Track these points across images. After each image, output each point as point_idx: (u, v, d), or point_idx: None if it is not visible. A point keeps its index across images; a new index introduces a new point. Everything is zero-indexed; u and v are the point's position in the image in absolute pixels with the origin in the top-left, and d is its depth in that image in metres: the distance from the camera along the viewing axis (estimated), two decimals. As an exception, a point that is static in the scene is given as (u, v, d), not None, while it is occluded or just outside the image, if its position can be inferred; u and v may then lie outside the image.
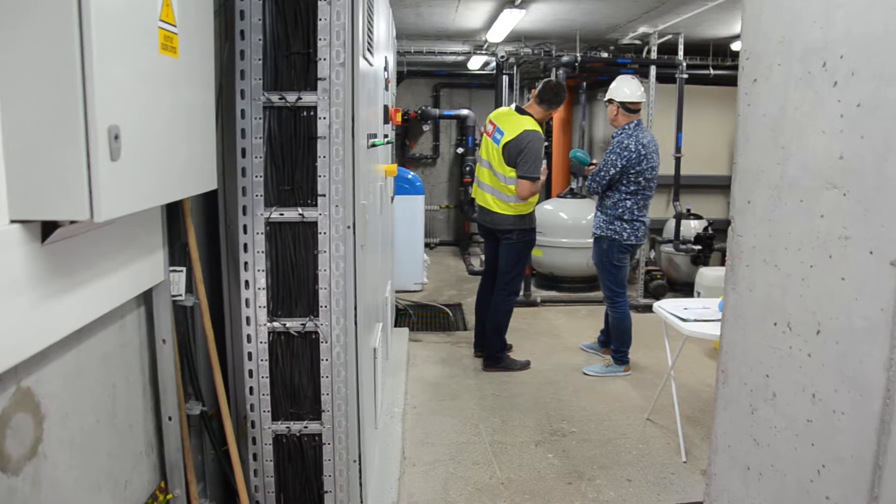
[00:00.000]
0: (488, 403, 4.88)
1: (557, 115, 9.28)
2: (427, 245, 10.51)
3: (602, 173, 5.09)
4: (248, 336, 2.58)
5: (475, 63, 9.44)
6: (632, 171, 5.05)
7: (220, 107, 2.46)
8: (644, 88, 5.32)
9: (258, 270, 2.52)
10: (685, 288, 7.73)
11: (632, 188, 5.10)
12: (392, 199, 4.89)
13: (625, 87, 5.20)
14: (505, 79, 7.90)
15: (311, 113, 2.43)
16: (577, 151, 5.36)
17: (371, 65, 2.96)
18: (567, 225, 7.66)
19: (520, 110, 5.27)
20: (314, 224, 2.47)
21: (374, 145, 2.98)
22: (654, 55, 7.17)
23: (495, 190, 5.16)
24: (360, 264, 2.62)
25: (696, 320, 4.14)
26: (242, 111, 2.43)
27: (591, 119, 9.35)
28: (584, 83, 8.62)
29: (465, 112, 10.40)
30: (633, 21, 6.76)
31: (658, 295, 7.45)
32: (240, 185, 2.47)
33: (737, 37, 7.30)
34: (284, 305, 2.57)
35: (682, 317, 4.18)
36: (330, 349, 2.57)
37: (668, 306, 4.45)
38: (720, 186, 8.30)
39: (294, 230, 2.51)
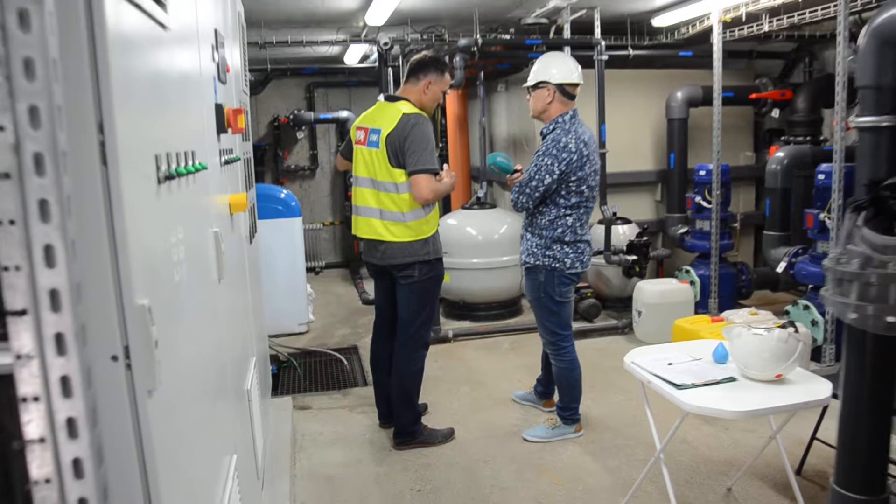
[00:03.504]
0: (408, 509, 3.57)
1: (452, 111, 8.06)
2: (312, 270, 9.08)
3: (534, 183, 3.85)
4: None
5: (353, 55, 8.06)
6: (573, 179, 3.83)
7: None
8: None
9: None
10: (618, 304, 6.66)
11: (573, 200, 3.89)
12: (251, 236, 3.48)
13: (556, 66, 3.98)
14: (389, 72, 6.56)
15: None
16: (497, 156, 4.09)
17: (164, 26, 1.57)
18: (477, 242, 6.42)
19: (391, 98, 4.03)
20: (7, 379, 1.07)
21: (183, 173, 1.59)
22: (567, 34, 6.01)
23: (385, 212, 3.85)
24: (164, 432, 1.26)
25: (695, 385, 2.95)
26: None
27: (490, 115, 8.15)
28: (482, 73, 7.41)
29: (344, 114, 9.01)
30: (540, -7, 5.59)
31: (590, 316, 6.33)
32: None
33: (658, 10, 6.26)
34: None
35: (674, 381, 2.97)
36: None
37: (643, 361, 3.25)
38: (645, 184, 7.27)
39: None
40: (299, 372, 5.51)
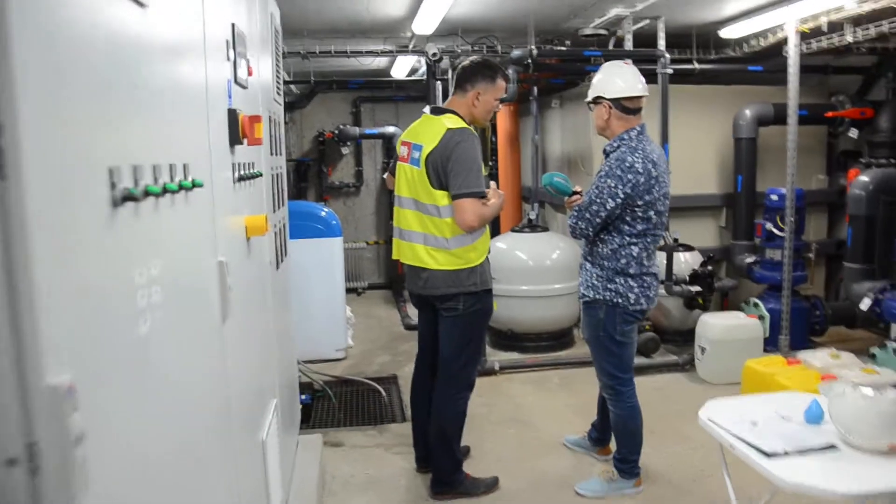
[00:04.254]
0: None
1: (503, 128, 7.66)
2: (354, 291, 8.75)
3: (595, 207, 3.42)
4: None
5: (401, 68, 7.73)
6: (639, 203, 3.39)
7: None
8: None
9: None
10: (678, 338, 6.15)
11: (639, 227, 3.44)
12: (278, 260, 3.12)
13: (618, 78, 3.56)
14: (438, 86, 6.20)
15: None
16: (554, 176, 3.67)
17: (139, 2, 1.21)
18: (527, 267, 5.99)
19: (437, 110, 3.62)
20: None
21: (156, 192, 1.22)
22: (629, 45, 5.57)
23: (428, 237, 3.46)
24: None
25: (787, 452, 2.48)
26: None
27: (543, 133, 7.74)
28: (535, 88, 7.01)
29: (391, 130, 8.67)
30: (600, 1, 5.16)
31: (648, 351, 5.83)
32: None
33: (727, 21, 5.79)
34: None
35: (762, 448, 2.51)
36: None
37: (723, 420, 2.78)
38: (709, 208, 6.76)
39: None
40: (334, 402, 5.14)
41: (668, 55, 5.61)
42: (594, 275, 3.55)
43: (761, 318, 5.69)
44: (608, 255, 3.49)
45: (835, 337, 6.31)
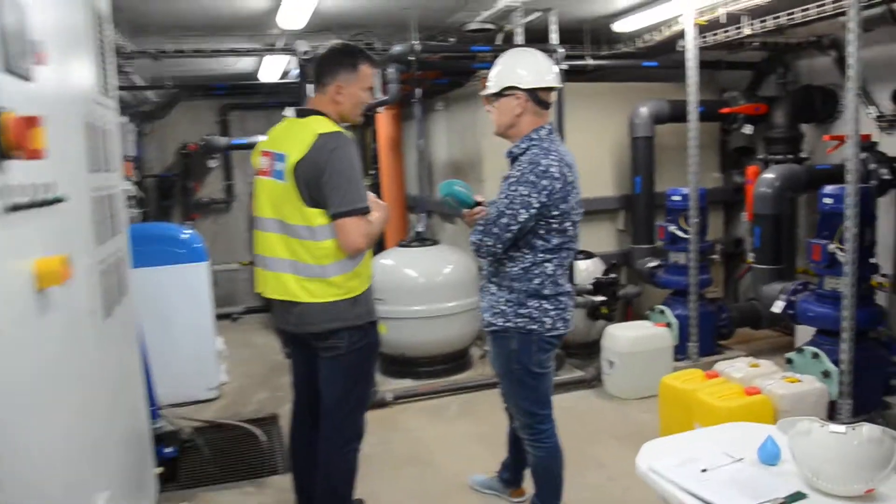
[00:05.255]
0: None
1: (385, 133, 7.11)
2: (228, 317, 7.97)
3: (504, 220, 2.90)
4: None
5: (270, 70, 7.05)
6: (555, 213, 2.91)
7: None
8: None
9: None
10: (582, 351, 5.77)
11: (554, 241, 2.96)
12: (110, 305, 2.43)
13: (526, 65, 3.06)
14: (310, 89, 5.57)
15: None
16: (454, 184, 3.12)
17: None
18: (418, 285, 5.46)
19: (302, 112, 3.00)
20: None
21: None
22: (520, 39, 5.14)
23: (299, 264, 2.84)
24: None
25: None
26: None
27: (428, 138, 7.22)
28: (418, 90, 6.49)
29: (262, 139, 7.91)
30: (488, -9, 4.71)
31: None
32: None
33: (619, 14, 5.47)
34: None
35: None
36: None
37: (665, 467, 2.32)
38: (605, 211, 6.44)
39: None
40: (205, 452, 4.42)
41: (562, 50, 5.21)
42: (502, 299, 3.04)
43: (669, 325, 5.39)
44: (518, 274, 2.99)
45: (742, 339, 6.10)
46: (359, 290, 2.90)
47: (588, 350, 5.69)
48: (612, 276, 5.46)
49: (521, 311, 2.99)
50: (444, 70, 6.17)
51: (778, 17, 4.71)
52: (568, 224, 2.94)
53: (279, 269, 2.88)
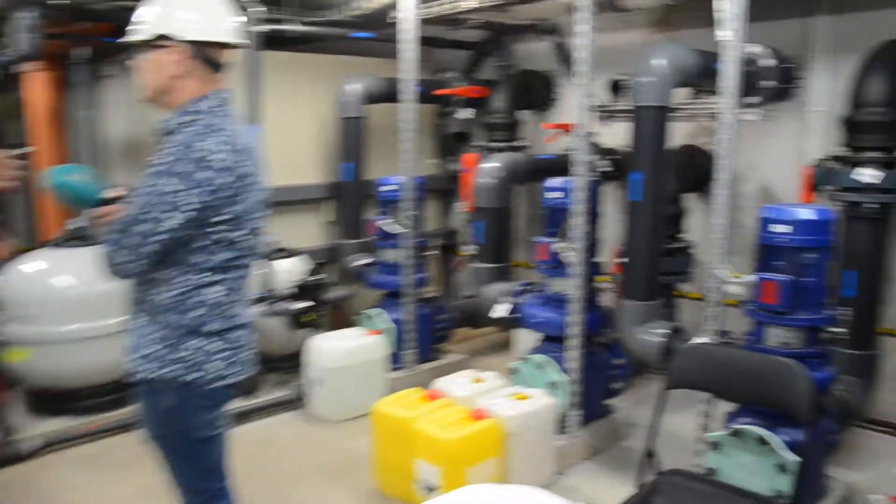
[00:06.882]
0: None
1: (39, 102, 5.75)
2: None
3: (145, 227, 1.99)
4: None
5: None
6: (220, 219, 2.06)
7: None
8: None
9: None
10: (285, 364, 4.98)
11: (220, 257, 2.11)
12: None
13: (189, 8, 2.15)
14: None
15: None
16: (69, 171, 2.15)
17: None
18: (70, 298, 4.26)
19: None
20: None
21: None
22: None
23: None
24: None
25: None
26: None
27: (102, 111, 5.91)
28: (84, 50, 5.22)
29: None
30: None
31: (248, 390, 4.57)
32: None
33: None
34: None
35: None
36: None
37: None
38: (309, 201, 5.69)
39: None
40: None
41: (261, 7, 4.34)
42: (152, 337, 2.13)
43: (385, 332, 4.79)
44: (171, 303, 2.09)
45: (460, 337, 5.68)
46: None
47: (292, 363, 4.89)
48: (319, 276, 4.74)
49: (177, 354, 2.11)
50: (115, 22, 4.96)
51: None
52: (241, 233, 2.11)
53: None
